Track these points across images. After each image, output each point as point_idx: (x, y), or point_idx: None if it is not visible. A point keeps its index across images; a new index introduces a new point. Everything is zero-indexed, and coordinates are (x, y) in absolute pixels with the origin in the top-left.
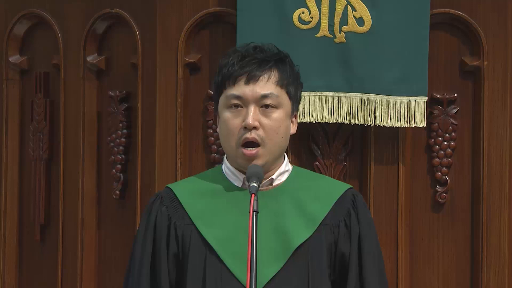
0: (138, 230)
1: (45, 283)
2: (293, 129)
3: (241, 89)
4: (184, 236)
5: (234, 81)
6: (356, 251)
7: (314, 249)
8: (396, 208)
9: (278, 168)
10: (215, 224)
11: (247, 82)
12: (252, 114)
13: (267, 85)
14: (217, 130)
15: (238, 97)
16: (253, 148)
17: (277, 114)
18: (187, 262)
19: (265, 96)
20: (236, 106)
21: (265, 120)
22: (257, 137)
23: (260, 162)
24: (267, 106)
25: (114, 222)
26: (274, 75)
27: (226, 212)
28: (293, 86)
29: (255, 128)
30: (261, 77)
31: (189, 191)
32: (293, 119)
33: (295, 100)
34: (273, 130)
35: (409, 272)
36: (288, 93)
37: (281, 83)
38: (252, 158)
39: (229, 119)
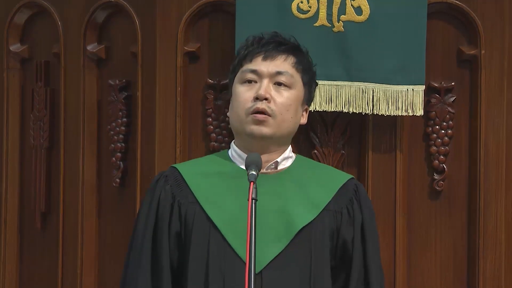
0: (141, 208)
1: (46, 270)
2: (303, 119)
3: (257, 64)
4: (187, 214)
5: (251, 58)
6: (359, 238)
7: (317, 232)
8: (394, 196)
9: (282, 153)
10: (219, 204)
11: (264, 59)
12: (265, 87)
13: (283, 64)
14: (228, 114)
15: (253, 71)
16: (264, 114)
17: (289, 93)
18: (190, 241)
19: (279, 73)
20: (250, 81)
21: (276, 96)
22: (267, 108)
23: (268, 130)
24: (280, 84)
25: (114, 210)
26: (291, 57)
27: (231, 193)
28: (308, 76)
29: (266, 100)
30: (278, 56)
31: (195, 171)
32: (304, 112)
33: (308, 91)
34: (283, 107)
35: (406, 259)
36: (302, 78)
37: (297, 66)
38: (261, 121)
39: (241, 92)
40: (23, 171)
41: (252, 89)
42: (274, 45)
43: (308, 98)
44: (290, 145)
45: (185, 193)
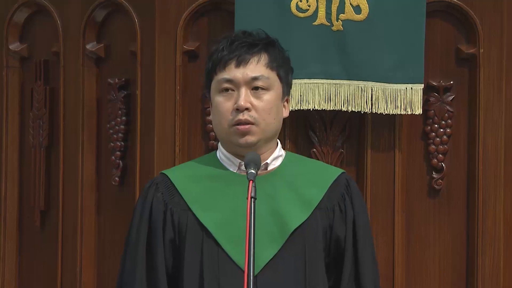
0: (133, 217)
1: (45, 268)
2: (285, 112)
3: (232, 72)
4: (180, 222)
5: (224, 66)
6: (351, 234)
7: (310, 232)
8: (393, 195)
9: (271, 153)
10: (211, 208)
11: (237, 65)
12: (244, 96)
13: (257, 67)
14: (211, 117)
15: (229, 81)
16: (247, 124)
17: (268, 96)
18: (184, 247)
19: (255, 79)
20: (227, 90)
21: (256, 102)
22: (249, 118)
23: (253, 139)
24: (257, 88)
25: (113, 208)
26: (263, 57)
27: (222, 197)
28: (283, 69)
29: (247, 109)
30: (250, 60)
31: (185, 177)
32: (285, 103)
33: (286, 83)
34: (265, 111)
35: (405, 257)
36: (278, 75)
37: (271, 65)
38: (245, 132)
39: (221, 103)
40: (23, 170)
41: (230, 99)
42: (246, 48)
43: (287, 90)
44: (279, 143)
45: (177, 200)
